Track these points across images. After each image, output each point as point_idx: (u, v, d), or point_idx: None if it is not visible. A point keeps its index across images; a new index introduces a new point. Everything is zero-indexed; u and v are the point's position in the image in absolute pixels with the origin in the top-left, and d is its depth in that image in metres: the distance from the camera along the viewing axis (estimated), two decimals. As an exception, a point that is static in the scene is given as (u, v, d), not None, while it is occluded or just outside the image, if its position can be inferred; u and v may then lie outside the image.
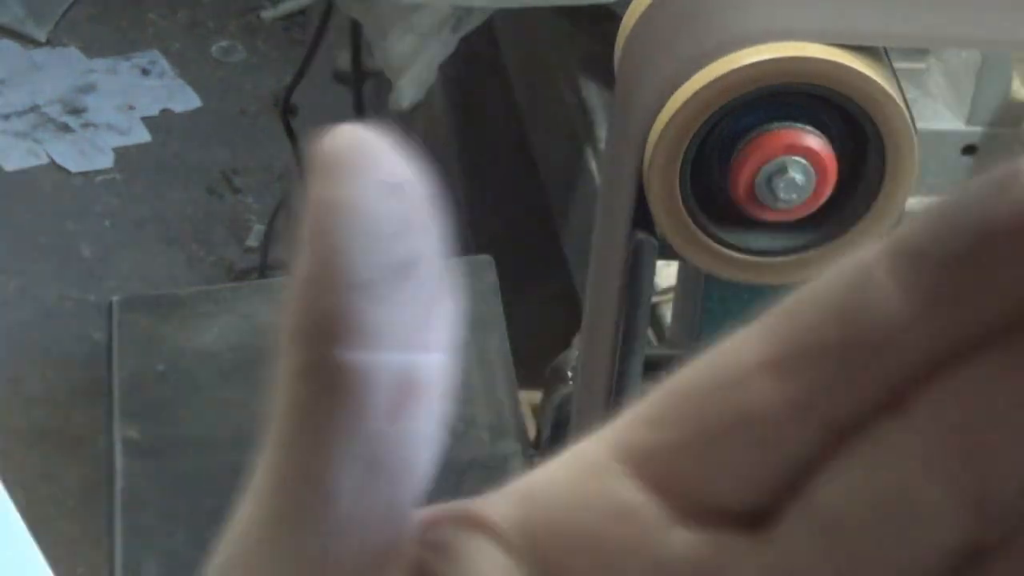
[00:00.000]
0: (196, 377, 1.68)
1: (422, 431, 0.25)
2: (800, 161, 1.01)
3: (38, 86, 2.27)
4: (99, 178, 2.17)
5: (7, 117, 2.22)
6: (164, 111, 2.27)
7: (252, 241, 2.10)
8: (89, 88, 2.29)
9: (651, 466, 0.25)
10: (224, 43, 2.39)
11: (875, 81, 0.97)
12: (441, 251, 0.25)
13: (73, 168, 2.17)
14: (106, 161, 2.19)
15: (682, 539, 0.25)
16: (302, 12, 2.26)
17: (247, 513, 0.25)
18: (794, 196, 1.01)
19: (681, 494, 0.25)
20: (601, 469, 0.25)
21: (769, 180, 1.01)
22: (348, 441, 0.24)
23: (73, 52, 2.34)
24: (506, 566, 0.25)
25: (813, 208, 1.02)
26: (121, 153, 2.20)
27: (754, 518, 0.25)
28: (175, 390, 1.68)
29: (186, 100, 2.29)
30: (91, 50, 2.35)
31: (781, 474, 0.24)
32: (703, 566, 0.25)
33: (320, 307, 0.24)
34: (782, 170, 1.01)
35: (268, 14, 2.39)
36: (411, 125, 1.85)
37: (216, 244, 2.09)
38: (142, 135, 2.23)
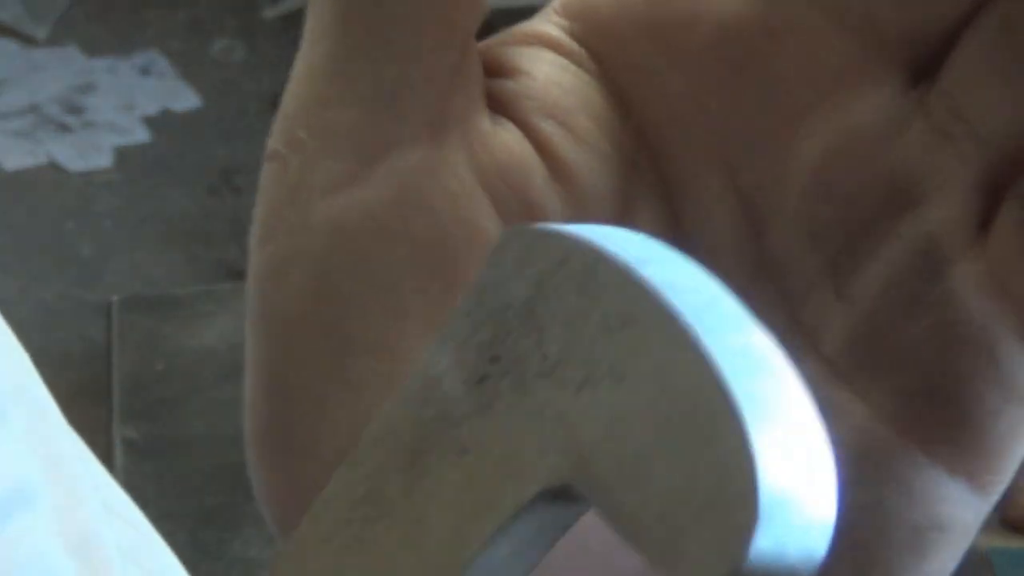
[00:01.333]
0: (196, 377, 1.68)
1: None
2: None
3: (38, 86, 2.27)
4: (99, 178, 2.17)
5: (7, 117, 2.22)
6: (164, 111, 2.27)
7: (252, 240, 2.10)
8: (89, 88, 2.29)
9: None
10: (224, 43, 2.39)
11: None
12: None
13: (73, 168, 2.17)
14: (106, 161, 2.19)
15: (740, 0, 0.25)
16: (302, 12, 2.26)
17: (307, 61, 0.26)
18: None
19: None
20: None
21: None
22: None
23: (73, 52, 2.34)
24: (569, 69, 0.25)
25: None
26: (121, 153, 2.20)
27: None
28: (175, 390, 1.68)
29: (186, 100, 2.29)
30: (91, 50, 2.35)
31: None
32: (769, 21, 0.24)
33: None
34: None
35: (268, 13, 2.39)
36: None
37: (216, 244, 2.09)
38: (142, 135, 2.23)
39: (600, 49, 0.25)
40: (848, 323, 0.24)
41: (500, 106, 0.26)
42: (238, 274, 2.05)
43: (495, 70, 0.26)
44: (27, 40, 2.33)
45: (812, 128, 0.24)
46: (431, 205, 0.24)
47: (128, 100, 2.28)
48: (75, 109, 2.25)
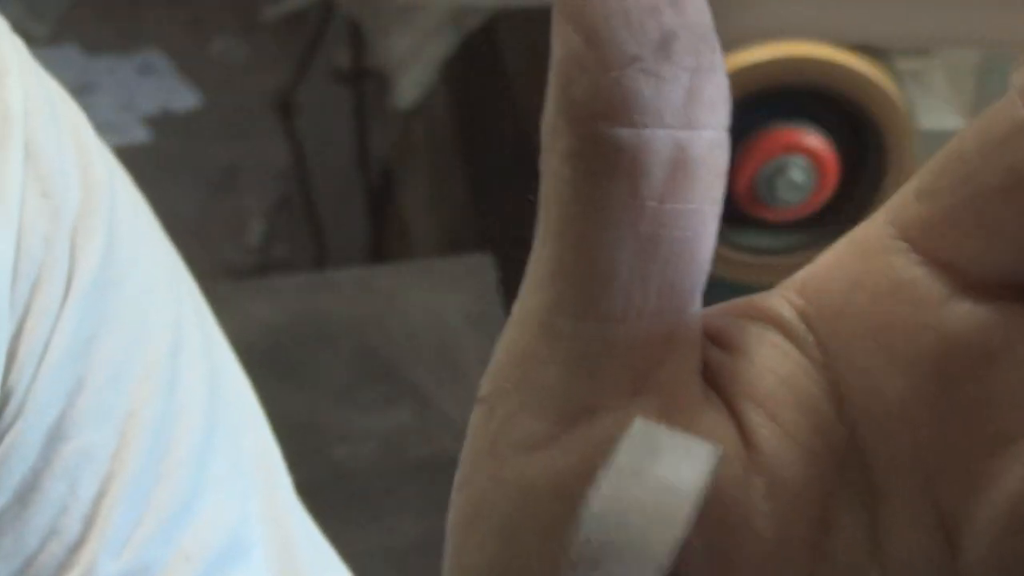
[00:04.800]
0: (196, 377, 1.68)
1: (700, 210, 0.24)
2: (800, 161, 1.01)
3: (38, 85, 2.27)
4: (99, 177, 2.17)
5: (7, 116, 2.22)
6: (164, 110, 2.27)
7: (252, 240, 2.10)
8: (89, 88, 2.29)
9: (926, 238, 0.24)
10: (224, 42, 2.39)
11: (875, 81, 0.97)
12: (705, 25, 0.24)
13: (73, 167, 2.17)
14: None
15: (964, 313, 0.23)
16: (302, 12, 2.26)
17: (522, 307, 0.25)
18: (794, 196, 1.01)
19: (959, 266, 0.24)
20: (875, 246, 0.24)
21: (769, 180, 1.01)
22: (624, 221, 0.23)
23: (73, 52, 2.34)
24: (791, 356, 0.24)
25: (813, 208, 1.02)
26: (121, 153, 2.19)
27: None
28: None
29: (186, 99, 2.29)
30: (91, 50, 2.35)
31: None
32: (989, 340, 0.23)
33: (587, 85, 0.23)
34: (782, 170, 1.01)
35: (268, 13, 2.39)
36: (411, 125, 1.85)
37: (216, 244, 2.09)
38: (142, 135, 2.23)
39: (826, 338, 0.24)
40: None
41: (712, 381, 0.25)
42: (238, 274, 2.05)
43: (716, 339, 0.25)
44: (27, 40, 2.32)
45: (1017, 457, 0.23)
46: None
47: (128, 100, 2.28)
48: (75, 109, 2.25)
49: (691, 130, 0.24)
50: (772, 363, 0.24)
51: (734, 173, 0.99)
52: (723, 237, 1.05)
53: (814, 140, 0.99)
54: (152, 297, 0.52)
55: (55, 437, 0.48)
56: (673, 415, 0.24)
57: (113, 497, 0.49)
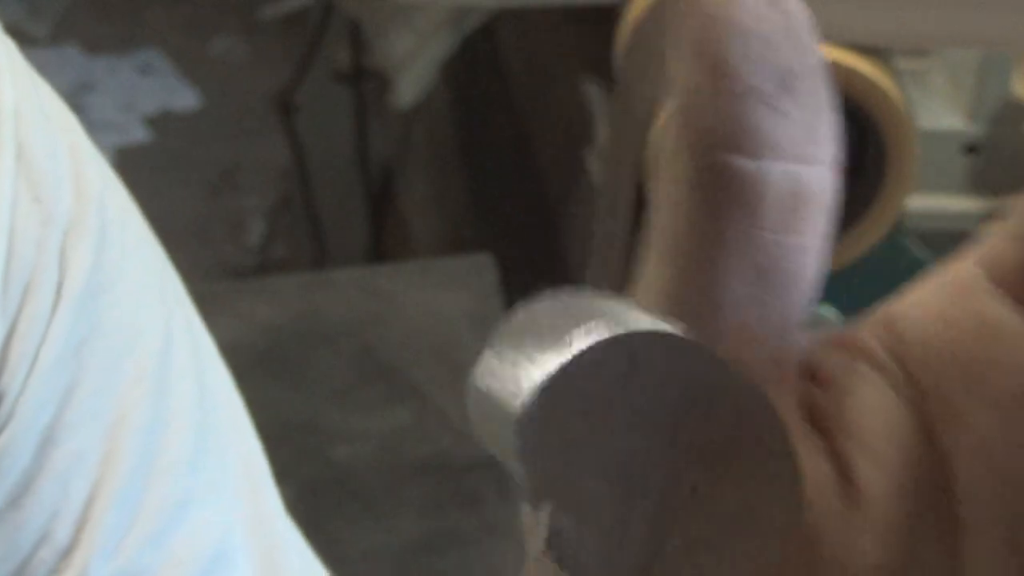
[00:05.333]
0: (196, 376, 1.68)
1: (809, 244, 0.25)
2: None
3: (38, 85, 2.27)
4: (99, 177, 2.17)
5: (7, 116, 2.22)
6: (164, 110, 2.27)
7: (252, 240, 2.10)
8: (89, 87, 2.29)
9: (1018, 281, 0.24)
10: (224, 42, 2.39)
11: (875, 81, 0.97)
12: (821, 64, 0.25)
13: (73, 167, 2.17)
14: (106, 161, 2.19)
15: None
16: (302, 11, 2.26)
17: (650, 277, 0.25)
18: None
19: None
20: (968, 286, 0.25)
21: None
22: (739, 249, 0.24)
23: (73, 51, 2.34)
24: (883, 390, 0.25)
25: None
26: (121, 153, 2.20)
27: None
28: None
29: (186, 99, 2.29)
30: (91, 49, 2.35)
31: None
32: None
33: (711, 115, 0.24)
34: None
35: (268, 13, 2.39)
36: (411, 125, 1.85)
37: (216, 244, 2.09)
38: (142, 134, 2.23)
39: (916, 374, 0.25)
40: None
41: (809, 415, 0.25)
42: (238, 274, 2.05)
43: (812, 375, 0.26)
44: (27, 40, 2.33)
45: None
46: None
47: (128, 100, 2.28)
48: (75, 109, 2.24)
49: (806, 165, 0.25)
50: (866, 398, 0.25)
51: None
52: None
53: (814, 140, 0.99)
54: (142, 302, 0.52)
55: (47, 441, 0.48)
56: None
57: (103, 501, 0.49)
